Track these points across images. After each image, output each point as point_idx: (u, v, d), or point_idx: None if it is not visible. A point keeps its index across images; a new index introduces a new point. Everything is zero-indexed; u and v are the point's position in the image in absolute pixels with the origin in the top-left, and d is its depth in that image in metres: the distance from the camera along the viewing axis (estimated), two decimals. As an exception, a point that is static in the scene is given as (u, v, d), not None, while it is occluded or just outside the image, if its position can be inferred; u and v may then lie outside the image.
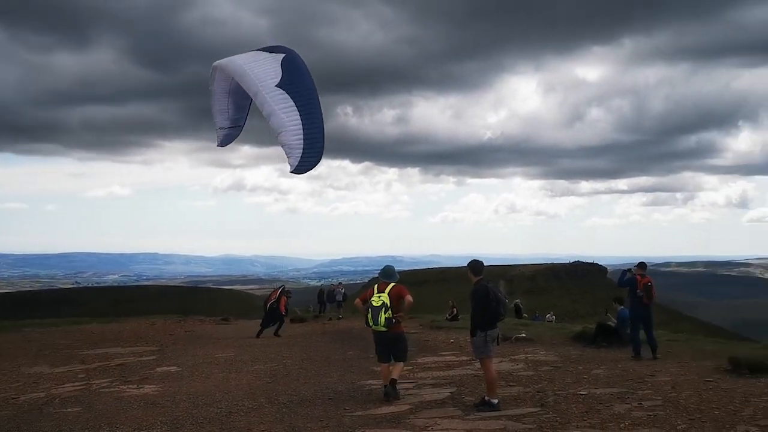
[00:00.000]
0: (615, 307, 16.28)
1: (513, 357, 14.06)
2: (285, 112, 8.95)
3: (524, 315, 31.03)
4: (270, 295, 22.75)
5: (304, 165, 9.11)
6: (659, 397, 9.43)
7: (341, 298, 30.68)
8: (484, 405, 9.12)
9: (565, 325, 23.25)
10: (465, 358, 14.09)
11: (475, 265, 9.55)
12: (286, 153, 9.07)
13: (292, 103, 8.96)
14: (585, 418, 8.37)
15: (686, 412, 8.47)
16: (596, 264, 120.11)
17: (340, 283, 35.70)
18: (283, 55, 9.97)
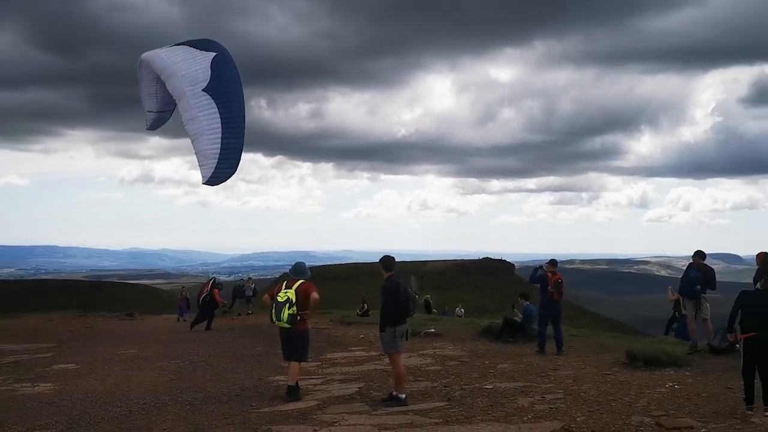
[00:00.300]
0: (521, 302, 16.69)
1: (421, 352, 14.20)
2: (206, 119, 8.64)
3: (434, 310, 31.43)
4: (202, 288, 22.72)
5: (216, 177, 8.79)
6: (561, 391, 9.72)
7: (251, 294, 30.18)
8: (391, 400, 9.15)
9: (473, 320, 23.72)
10: (374, 353, 14.13)
11: (387, 261, 9.57)
12: (199, 162, 8.75)
13: (216, 110, 8.65)
14: (490, 412, 8.53)
15: (586, 405, 8.76)
16: (504, 260, 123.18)
17: (249, 278, 35.13)
18: (215, 54, 9.53)
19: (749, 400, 8.21)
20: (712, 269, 13.16)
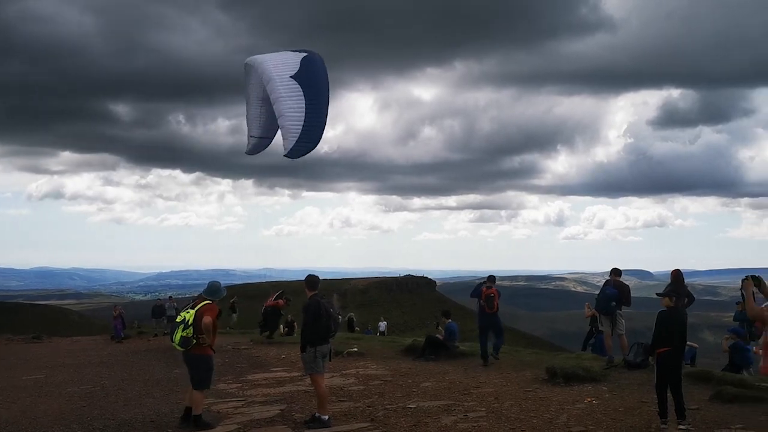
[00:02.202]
0: (443, 320, 16.79)
1: (344, 372, 14.04)
2: (292, 99, 8.98)
3: (356, 329, 31.29)
4: (268, 299, 22.59)
5: (297, 150, 9.02)
6: (483, 408, 9.77)
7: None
8: (314, 422, 8.98)
9: (396, 338, 23.70)
10: (297, 373, 13.87)
11: (310, 280, 9.43)
12: (282, 136, 9.04)
13: (301, 93, 9.00)
14: (413, 431, 8.47)
15: (508, 422, 8.82)
16: (426, 278, 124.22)
17: (170, 297, 34.09)
18: (306, 54, 9.90)
19: (663, 414, 8.46)
20: (628, 286, 13.57)
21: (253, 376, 14.05)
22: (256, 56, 10.24)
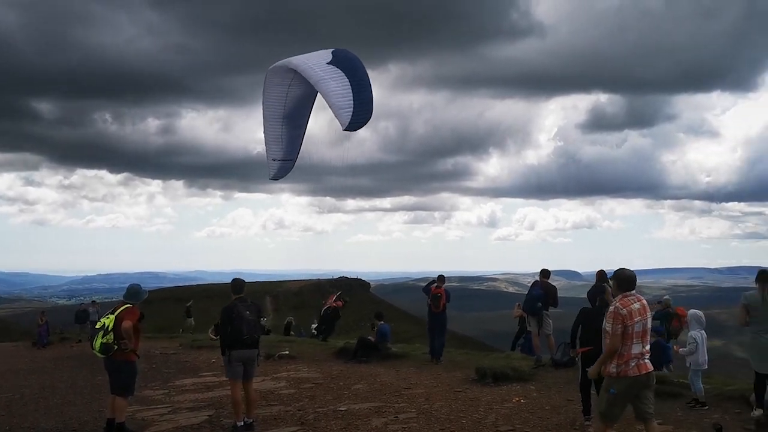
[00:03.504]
0: (376, 322, 16.83)
1: (275, 375, 13.89)
2: (334, 81, 8.83)
3: (291, 332, 31.02)
4: (326, 300, 22.76)
5: (356, 122, 8.79)
6: (414, 410, 9.82)
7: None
8: (236, 428, 8.82)
9: (329, 341, 23.57)
10: (226, 378, 13.63)
11: (233, 284, 9.28)
12: (335, 114, 8.78)
13: (342, 74, 8.86)
14: (344, 435, 8.44)
15: (438, 423, 8.89)
16: (360, 279, 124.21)
17: (94, 302, 33.00)
18: (333, 49, 9.71)
19: (586, 411, 8.68)
20: (554, 287, 13.87)
21: (181, 381, 13.76)
22: (278, 62, 10.00)
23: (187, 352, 19.46)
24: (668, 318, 15.26)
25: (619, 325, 6.44)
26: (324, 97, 8.98)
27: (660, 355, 13.93)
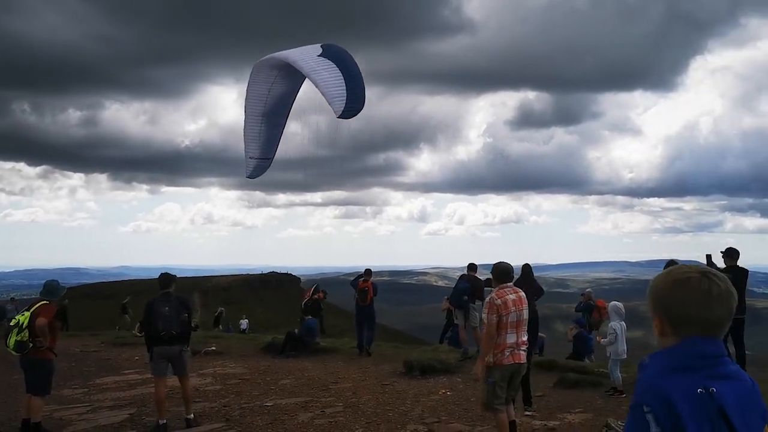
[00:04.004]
0: (303, 317, 16.82)
1: (201, 371, 13.61)
2: (326, 71, 8.80)
3: (219, 327, 30.58)
4: (304, 294, 22.39)
5: (351, 109, 8.76)
6: (341, 404, 9.81)
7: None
8: (158, 426, 8.62)
9: (257, 336, 23.32)
10: (149, 375, 13.28)
11: (160, 279, 9.06)
12: (329, 102, 8.73)
13: (334, 65, 8.85)
14: (269, 430, 8.36)
15: (364, 416, 8.90)
16: (290, 274, 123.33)
17: (13, 298, 31.69)
18: (323, 43, 9.60)
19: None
20: (481, 281, 14.07)
21: (102, 379, 13.33)
22: (265, 57, 9.88)
23: (109, 349, 18.88)
24: (590, 310, 15.75)
25: (494, 315, 6.69)
26: (317, 86, 9.01)
27: (582, 346, 14.37)
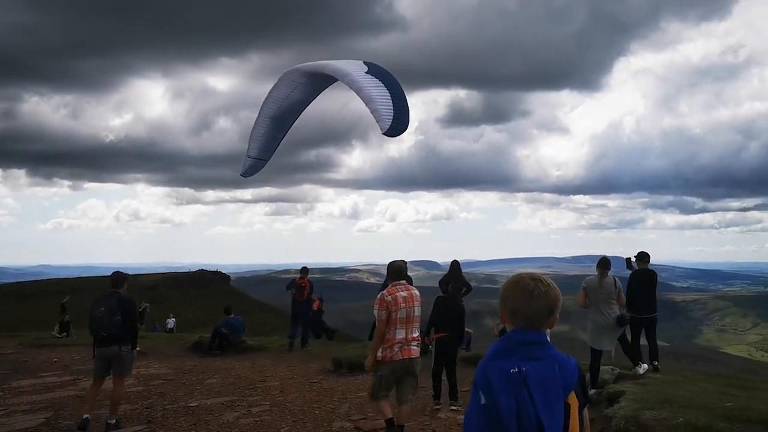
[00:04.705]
0: (225, 317, 16.74)
1: (124, 372, 13.24)
2: (375, 89, 8.79)
3: (143, 324, 29.77)
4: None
5: (397, 127, 8.65)
6: (267, 402, 9.70)
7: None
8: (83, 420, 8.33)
9: (183, 335, 22.85)
10: (68, 378, 12.87)
11: (111, 277, 8.77)
12: (377, 119, 8.66)
13: (381, 84, 8.85)
14: (193, 431, 8.19)
15: (291, 415, 8.83)
16: (220, 272, 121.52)
17: None
18: (365, 60, 9.53)
19: (437, 396, 8.98)
20: (409, 277, 14.17)
21: (18, 382, 12.78)
22: (304, 64, 9.83)
23: (27, 351, 18.14)
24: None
25: (384, 311, 6.79)
26: (366, 103, 9.04)
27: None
